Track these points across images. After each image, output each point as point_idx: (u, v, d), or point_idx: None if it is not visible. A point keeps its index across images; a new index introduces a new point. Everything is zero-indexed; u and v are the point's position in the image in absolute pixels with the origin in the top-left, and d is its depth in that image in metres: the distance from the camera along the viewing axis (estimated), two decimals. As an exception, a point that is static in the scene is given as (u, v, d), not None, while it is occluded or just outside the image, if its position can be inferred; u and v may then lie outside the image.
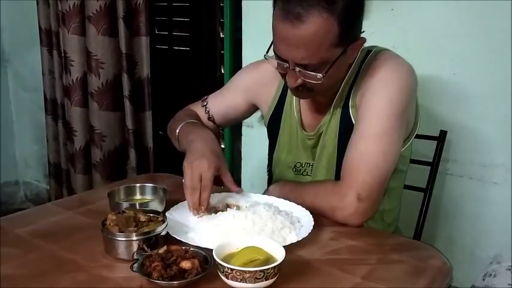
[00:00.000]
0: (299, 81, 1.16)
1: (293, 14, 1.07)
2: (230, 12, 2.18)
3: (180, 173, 1.44)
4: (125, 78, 2.37)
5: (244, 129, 2.22)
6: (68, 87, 2.52)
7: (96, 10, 2.32)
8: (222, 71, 2.34)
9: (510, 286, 1.30)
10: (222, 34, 2.30)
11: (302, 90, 1.20)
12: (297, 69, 1.13)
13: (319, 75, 1.12)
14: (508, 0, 1.53)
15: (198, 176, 1.14)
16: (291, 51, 1.11)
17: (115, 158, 2.52)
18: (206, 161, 1.15)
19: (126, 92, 2.38)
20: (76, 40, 2.43)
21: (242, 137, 2.25)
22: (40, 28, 2.66)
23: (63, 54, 2.50)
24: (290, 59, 1.12)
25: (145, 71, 2.40)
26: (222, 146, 2.36)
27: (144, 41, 2.36)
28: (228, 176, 1.22)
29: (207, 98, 1.50)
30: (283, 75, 1.20)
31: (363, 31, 1.18)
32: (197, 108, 1.50)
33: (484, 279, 1.36)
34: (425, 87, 1.63)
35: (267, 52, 1.20)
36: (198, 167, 1.15)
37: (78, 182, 2.60)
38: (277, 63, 1.17)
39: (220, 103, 1.47)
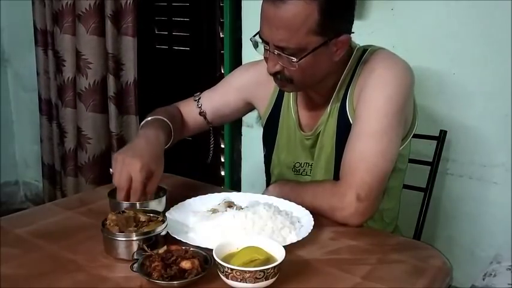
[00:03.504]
0: (277, 67, 1.17)
1: None
2: (230, 12, 2.17)
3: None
4: (110, 79, 2.30)
5: (244, 129, 2.22)
6: (60, 88, 2.48)
7: (86, 9, 2.27)
8: (222, 71, 2.33)
9: (510, 286, 1.30)
10: (222, 34, 2.29)
11: (282, 79, 1.20)
12: (276, 52, 1.15)
13: (294, 59, 1.13)
14: (508, 0, 1.53)
15: (127, 176, 1.10)
16: (271, 32, 1.14)
17: (100, 162, 2.43)
18: (140, 162, 1.10)
19: (110, 94, 2.31)
20: (68, 39, 2.37)
21: (242, 137, 2.25)
22: (35, 28, 2.60)
23: (56, 54, 2.46)
24: (270, 40, 1.15)
25: (132, 74, 2.31)
26: (222, 146, 2.36)
27: (131, 42, 2.27)
28: (153, 184, 1.14)
29: (200, 93, 1.49)
30: (267, 61, 1.20)
31: (353, 32, 1.18)
32: (189, 103, 1.48)
33: (484, 279, 1.36)
34: (425, 87, 1.63)
35: (254, 36, 1.21)
36: (129, 165, 1.10)
37: (69, 184, 2.55)
38: (263, 47, 1.19)
39: (213, 98, 1.46)
